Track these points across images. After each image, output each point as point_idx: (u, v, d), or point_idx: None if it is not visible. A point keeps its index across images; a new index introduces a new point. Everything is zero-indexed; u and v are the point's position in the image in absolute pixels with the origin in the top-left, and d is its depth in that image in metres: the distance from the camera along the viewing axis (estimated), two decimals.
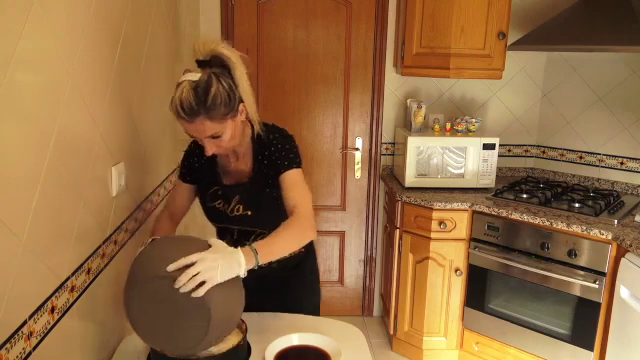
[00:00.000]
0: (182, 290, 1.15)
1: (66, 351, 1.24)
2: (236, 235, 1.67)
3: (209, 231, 1.76)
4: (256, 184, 1.60)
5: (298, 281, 1.80)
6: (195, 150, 1.65)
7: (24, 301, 1.05)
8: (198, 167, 1.67)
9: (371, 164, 3.28)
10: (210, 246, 1.26)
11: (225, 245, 1.28)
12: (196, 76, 1.37)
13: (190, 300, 1.15)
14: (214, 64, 1.40)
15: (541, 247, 2.46)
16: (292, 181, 1.56)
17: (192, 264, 1.17)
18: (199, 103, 1.35)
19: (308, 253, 1.82)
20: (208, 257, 1.19)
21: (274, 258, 1.39)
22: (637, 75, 2.74)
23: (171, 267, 1.17)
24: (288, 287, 1.78)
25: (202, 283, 1.16)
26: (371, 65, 3.16)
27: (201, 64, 1.40)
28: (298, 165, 1.59)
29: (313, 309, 1.82)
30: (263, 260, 1.30)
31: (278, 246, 1.40)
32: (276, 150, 1.58)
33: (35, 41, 1.07)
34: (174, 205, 1.74)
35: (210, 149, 1.46)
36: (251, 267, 1.27)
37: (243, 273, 1.25)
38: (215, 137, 1.44)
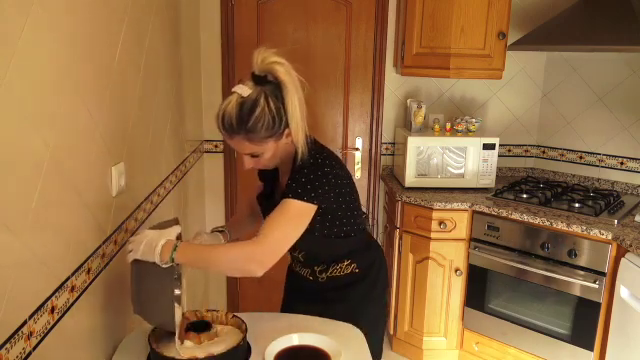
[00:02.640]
0: (128, 255, 1.34)
1: (66, 351, 1.24)
2: (301, 258, 1.67)
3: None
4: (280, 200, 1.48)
5: (345, 302, 1.66)
6: None
7: (24, 301, 1.05)
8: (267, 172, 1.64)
9: (371, 164, 3.28)
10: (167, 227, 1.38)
11: (164, 232, 1.35)
12: (247, 91, 1.34)
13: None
14: (268, 82, 1.36)
15: (541, 247, 2.46)
16: (285, 209, 1.39)
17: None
18: (240, 122, 1.33)
19: (365, 276, 1.65)
20: (138, 237, 1.34)
21: (193, 266, 1.41)
22: (637, 75, 2.74)
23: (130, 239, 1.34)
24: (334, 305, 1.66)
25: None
26: (371, 65, 3.16)
27: (255, 79, 1.36)
28: (308, 199, 1.39)
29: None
30: (179, 260, 1.31)
31: (203, 257, 1.37)
32: (297, 174, 1.43)
33: (35, 41, 1.07)
34: (251, 196, 1.76)
35: (248, 165, 1.46)
36: (166, 260, 1.30)
37: (158, 261, 1.30)
38: (254, 156, 1.42)
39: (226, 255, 1.37)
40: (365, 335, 1.51)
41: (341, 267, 1.62)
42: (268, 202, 1.58)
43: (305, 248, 1.59)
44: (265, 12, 3.06)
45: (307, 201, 1.39)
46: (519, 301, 2.61)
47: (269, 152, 1.42)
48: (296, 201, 1.39)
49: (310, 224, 1.43)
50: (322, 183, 1.42)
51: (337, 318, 1.57)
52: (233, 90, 1.37)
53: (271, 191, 1.65)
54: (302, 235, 1.43)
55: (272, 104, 1.34)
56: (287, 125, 1.38)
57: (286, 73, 1.36)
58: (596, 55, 2.88)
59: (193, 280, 2.63)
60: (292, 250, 1.62)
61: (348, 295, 1.65)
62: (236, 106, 1.33)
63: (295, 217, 1.40)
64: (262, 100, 1.33)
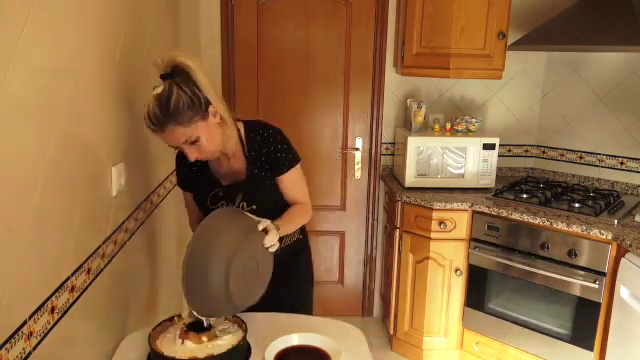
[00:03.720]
0: (272, 250, 1.48)
1: (66, 351, 1.24)
2: None
3: None
4: (255, 180, 1.64)
5: (297, 268, 1.87)
6: (183, 159, 1.65)
7: (24, 301, 1.05)
8: (192, 174, 1.69)
9: (371, 164, 3.28)
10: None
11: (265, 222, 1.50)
12: (159, 89, 1.42)
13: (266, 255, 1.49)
14: (176, 74, 1.44)
15: (541, 247, 2.46)
16: (293, 180, 1.69)
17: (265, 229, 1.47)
18: (163, 112, 1.40)
19: (306, 241, 1.92)
20: (272, 236, 1.47)
21: (287, 232, 1.63)
22: (637, 75, 2.74)
23: (260, 226, 1.46)
24: (288, 272, 1.79)
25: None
26: (371, 65, 3.16)
27: (164, 77, 1.44)
28: (296, 161, 1.68)
29: (307, 294, 1.93)
30: (283, 234, 1.56)
31: (294, 225, 1.68)
32: (275, 150, 1.64)
33: (35, 41, 1.07)
34: (194, 210, 1.79)
35: (192, 155, 1.50)
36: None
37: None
38: (193, 142, 1.47)
39: (303, 218, 1.72)
40: (308, 299, 1.88)
41: (293, 233, 1.79)
42: (228, 187, 1.66)
43: (258, 200, 1.67)
44: (265, 12, 3.06)
45: (298, 161, 1.69)
46: (519, 301, 2.61)
47: (203, 134, 1.47)
48: (295, 168, 1.68)
49: (272, 178, 1.66)
50: (291, 144, 1.69)
51: (295, 286, 1.85)
52: (151, 94, 1.44)
53: (212, 182, 1.67)
54: (258, 187, 1.65)
55: (185, 87, 1.42)
56: (208, 102, 1.46)
57: (185, 57, 1.44)
58: (596, 55, 2.88)
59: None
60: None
61: (299, 262, 1.87)
62: (155, 103, 1.41)
63: (301, 176, 1.72)
64: (174, 87, 1.41)
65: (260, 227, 1.45)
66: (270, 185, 1.66)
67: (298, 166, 1.69)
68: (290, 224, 1.63)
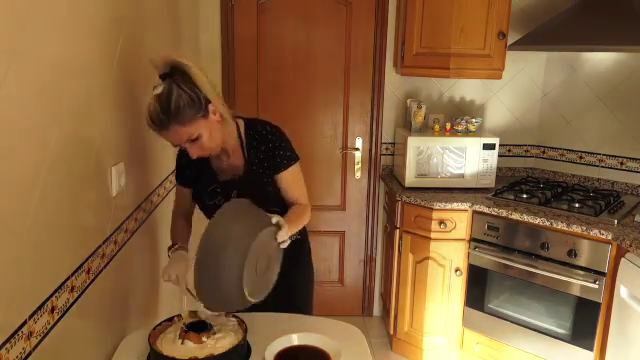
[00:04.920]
0: (284, 246, 1.48)
1: (66, 351, 1.24)
2: None
3: None
4: (252, 176, 1.65)
5: (297, 267, 1.86)
6: (184, 155, 1.65)
7: (24, 301, 1.05)
8: (191, 170, 1.70)
9: (371, 164, 3.28)
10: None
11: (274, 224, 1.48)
12: (159, 89, 1.42)
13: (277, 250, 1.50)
14: (174, 74, 1.45)
15: (541, 247, 2.46)
16: (291, 179, 1.69)
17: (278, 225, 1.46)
18: (164, 112, 1.41)
19: (306, 238, 1.92)
20: (283, 221, 1.47)
21: (293, 232, 1.59)
22: (637, 75, 2.74)
23: (274, 219, 1.45)
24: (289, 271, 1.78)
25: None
26: (371, 65, 3.16)
27: (162, 77, 1.45)
28: (295, 160, 1.69)
29: (309, 293, 1.95)
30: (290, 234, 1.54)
31: (297, 227, 1.64)
32: (274, 147, 1.66)
33: (35, 41, 1.07)
34: (182, 206, 1.79)
35: (194, 152, 1.52)
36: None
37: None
38: (194, 140, 1.48)
39: (304, 219, 1.70)
40: (308, 299, 1.90)
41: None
42: (224, 183, 1.66)
43: (254, 198, 1.62)
44: (265, 12, 3.06)
45: (296, 160, 1.70)
46: (519, 301, 2.61)
47: (205, 132, 1.49)
48: (293, 166, 1.68)
49: (269, 176, 1.67)
50: (290, 143, 1.70)
51: (296, 286, 1.84)
52: (151, 95, 1.45)
53: (210, 178, 1.68)
54: (255, 184, 1.65)
55: (184, 86, 1.44)
56: (208, 101, 1.47)
57: (183, 56, 1.46)
58: (596, 55, 2.88)
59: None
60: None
61: (300, 261, 1.87)
62: (156, 103, 1.42)
63: (300, 175, 1.72)
64: (174, 86, 1.42)
65: (273, 220, 1.45)
66: (266, 183, 1.67)
67: (297, 165, 1.70)
68: (293, 225, 1.63)
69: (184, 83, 1.44)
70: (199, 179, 1.71)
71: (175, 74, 1.44)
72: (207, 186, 1.68)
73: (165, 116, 1.41)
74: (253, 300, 1.40)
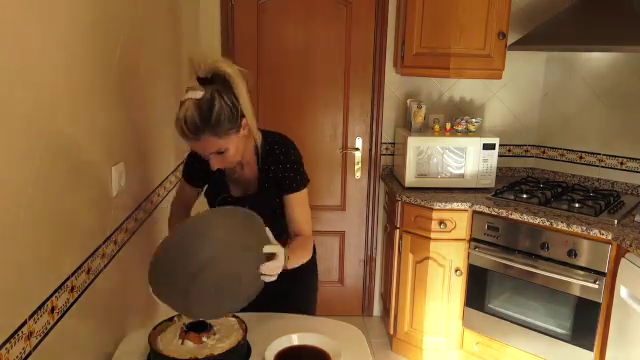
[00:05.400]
0: (267, 280, 1.36)
1: (66, 351, 1.24)
2: None
3: None
4: (264, 195, 1.64)
5: (301, 285, 1.83)
6: (199, 157, 1.61)
7: (24, 301, 1.05)
8: (205, 175, 1.67)
9: (371, 164, 3.28)
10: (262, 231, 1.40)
11: (278, 250, 1.39)
12: (199, 94, 1.38)
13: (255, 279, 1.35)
14: (215, 81, 1.41)
15: (541, 247, 2.45)
16: (298, 202, 1.65)
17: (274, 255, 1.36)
18: (204, 121, 1.37)
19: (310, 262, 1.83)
20: (281, 257, 1.37)
21: (293, 266, 1.50)
22: (637, 75, 2.74)
23: (266, 249, 1.35)
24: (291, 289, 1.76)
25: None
26: (371, 65, 3.16)
27: (203, 81, 1.41)
28: (305, 185, 1.65)
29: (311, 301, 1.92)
30: (289, 268, 1.45)
31: (298, 261, 1.56)
32: (284, 169, 1.61)
33: (35, 40, 1.07)
34: (184, 200, 1.78)
35: (216, 164, 1.49)
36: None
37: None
38: (220, 153, 1.46)
39: (306, 253, 1.64)
40: (312, 299, 1.89)
41: None
42: (236, 199, 1.65)
43: (264, 216, 1.56)
44: (265, 12, 3.06)
45: (306, 185, 1.66)
46: (519, 301, 2.61)
47: (233, 146, 1.47)
48: (302, 191, 1.64)
49: (279, 197, 1.63)
50: (303, 166, 1.66)
51: (300, 286, 1.80)
52: (184, 98, 1.40)
53: (222, 187, 1.67)
54: (266, 204, 1.62)
55: (226, 98, 1.40)
56: (242, 115, 1.45)
57: (230, 66, 1.42)
58: (596, 55, 2.88)
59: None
60: None
61: (306, 278, 1.85)
62: (195, 109, 1.37)
63: (306, 201, 1.68)
64: (217, 96, 1.39)
65: (265, 250, 1.35)
66: (278, 202, 1.64)
67: (305, 190, 1.66)
68: (295, 261, 1.53)
69: (225, 93, 1.40)
70: (212, 185, 1.70)
71: (217, 82, 1.40)
72: (218, 193, 1.67)
73: (203, 125, 1.37)
74: (197, 312, 1.32)
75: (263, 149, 1.62)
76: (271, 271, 1.35)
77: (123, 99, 1.65)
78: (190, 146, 1.48)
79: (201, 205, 1.77)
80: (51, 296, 1.15)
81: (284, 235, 1.64)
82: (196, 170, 1.69)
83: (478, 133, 2.92)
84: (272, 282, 1.39)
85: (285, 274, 1.43)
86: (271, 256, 1.36)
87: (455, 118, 2.98)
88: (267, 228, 1.40)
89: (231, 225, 1.33)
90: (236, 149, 1.48)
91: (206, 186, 1.75)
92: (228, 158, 1.48)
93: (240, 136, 1.48)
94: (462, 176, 2.88)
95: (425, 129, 3.03)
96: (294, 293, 1.76)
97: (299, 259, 1.57)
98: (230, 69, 1.41)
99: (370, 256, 3.41)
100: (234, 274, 1.29)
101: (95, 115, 1.42)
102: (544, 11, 2.94)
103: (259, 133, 1.61)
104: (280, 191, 1.63)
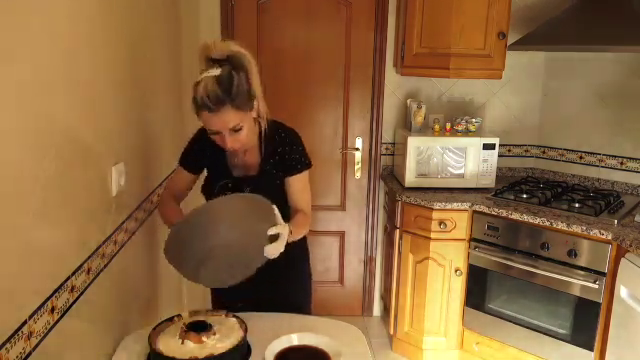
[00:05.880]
0: (270, 257, 1.45)
1: (66, 351, 1.24)
2: None
3: None
4: (265, 177, 1.67)
5: (294, 267, 1.86)
6: (206, 142, 1.64)
7: (24, 301, 1.05)
8: (208, 158, 1.71)
9: (371, 164, 3.28)
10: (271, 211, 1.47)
11: (282, 226, 1.47)
12: (217, 71, 1.43)
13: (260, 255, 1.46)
14: (230, 63, 1.46)
15: (541, 247, 2.46)
16: (300, 184, 1.70)
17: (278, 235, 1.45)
18: (226, 92, 1.42)
19: (303, 243, 1.89)
20: (284, 236, 1.45)
21: (294, 239, 1.59)
22: (637, 75, 2.74)
23: (271, 231, 1.43)
24: (282, 278, 1.80)
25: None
26: (371, 65, 3.16)
27: (218, 62, 1.45)
28: (307, 167, 1.71)
29: (305, 296, 1.92)
30: (291, 240, 1.53)
31: (299, 234, 1.64)
32: (290, 151, 1.68)
33: (36, 40, 1.07)
34: (176, 189, 1.79)
35: (231, 143, 1.51)
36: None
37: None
38: (236, 130, 1.49)
39: (305, 229, 1.72)
40: (307, 298, 1.88)
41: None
42: (238, 179, 1.67)
43: (265, 197, 1.63)
44: (265, 12, 3.06)
45: (309, 166, 1.71)
46: (519, 301, 2.61)
47: (247, 125, 1.51)
48: (305, 172, 1.70)
49: (281, 179, 1.68)
50: (305, 149, 1.71)
51: (294, 285, 1.84)
52: (200, 78, 1.44)
53: (224, 171, 1.70)
54: (267, 185, 1.66)
55: (242, 75, 1.47)
56: (254, 96, 1.51)
57: (242, 47, 1.50)
58: (596, 55, 2.88)
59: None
60: None
61: (297, 261, 1.85)
62: (215, 83, 1.42)
63: (308, 183, 1.73)
64: (234, 72, 1.45)
65: (270, 232, 1.44)
66: (278, 185, 1.68)
67: (307, 171, 1.71)
68: (297, 235, 1.63)
69: (240, 72, 1.46)
70: (213, 170, 1.72)
71: (232, 63, 1.46)
72: (219, 179, 1.69)
73: (225, 96, 1.42)
74: (204, 278, 1.45)
75: (266, 134, 1.66)
76: (275, 251, 1.45)
77: (123, 99, 1.65)
78: (208, 122, 1.48)
79: (195, 200, 1.77)
80: (51, 296, 1.15)
81: (284, 219, 1.66)
82: (197, 154, 1.72)
83: (478, 133, 2.92)
84: (265, 266, 1.49)
85: (276, 261, 1.50)
86: (275, 237, 1.45)
87: (455, 118, 2.98)
88: (274, 207, 1.47)
89: (244, 210, 1.43)
90: (249, 129, 1.53)
91: (203, 184, 1.75)
92: (242, 137, 1.52)
93: (250, 116, 1.52)
94: (462, 176, 2.88)
95: (425, 129, 3.03)
96: (286, 276, 1.80)
97: (301, 233, 1.68)
98: (244, 51, 1.48)
99: (370, 256, 3.41)
100: (243, 252, 1.43)
101: (95, 115, 1.42)
102: (544, 11, 2.94)
103: (267, 116, 1.65)
104: (284, 172, 1.67)
